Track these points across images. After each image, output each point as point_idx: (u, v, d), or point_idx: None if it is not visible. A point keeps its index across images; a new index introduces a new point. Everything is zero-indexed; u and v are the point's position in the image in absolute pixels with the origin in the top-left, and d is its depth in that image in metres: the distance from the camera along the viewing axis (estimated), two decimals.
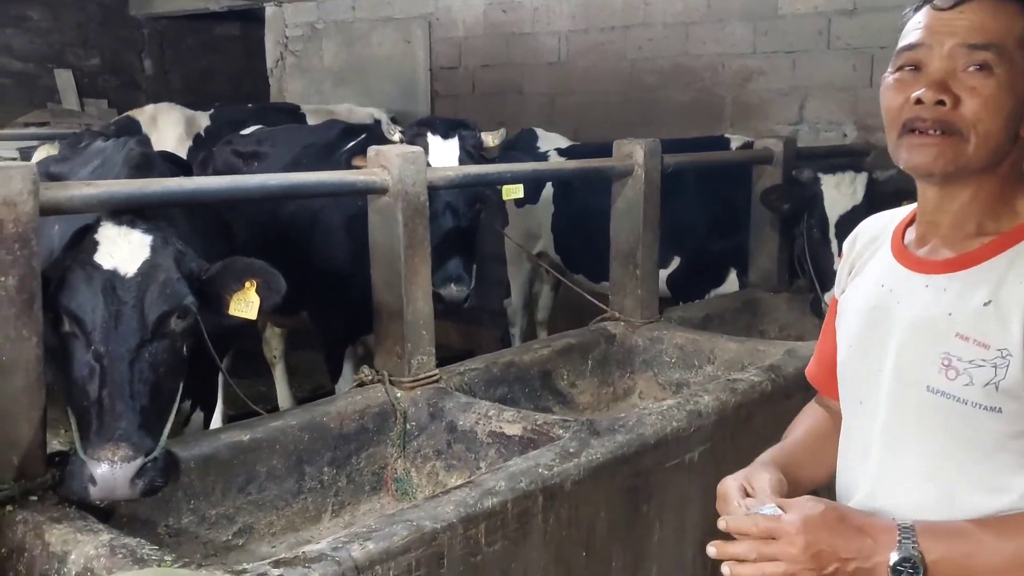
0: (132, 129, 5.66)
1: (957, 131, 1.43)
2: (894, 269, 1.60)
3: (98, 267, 2.18)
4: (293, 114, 6.27)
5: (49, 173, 3.07)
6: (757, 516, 1.47)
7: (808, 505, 1.45)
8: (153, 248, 2.25)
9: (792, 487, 1.64)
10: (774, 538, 1.42)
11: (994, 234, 1.48)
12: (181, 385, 2.34)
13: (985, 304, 1.43)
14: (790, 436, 1.85)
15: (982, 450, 1.45)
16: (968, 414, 1.43)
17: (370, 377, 2.89)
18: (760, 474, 1.62)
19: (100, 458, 2.03)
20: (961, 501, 1.47)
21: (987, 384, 1.41)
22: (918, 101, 1.45)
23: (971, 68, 1.43)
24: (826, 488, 1.75)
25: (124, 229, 2.26)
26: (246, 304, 2.38)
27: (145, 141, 2.93)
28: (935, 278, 1.52)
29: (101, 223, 2.27)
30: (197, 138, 5.91)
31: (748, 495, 1.58)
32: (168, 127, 6.00)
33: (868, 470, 1.59)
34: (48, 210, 2.15)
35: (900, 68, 1.51)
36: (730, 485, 1.61)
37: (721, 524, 1.53)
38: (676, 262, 4.81)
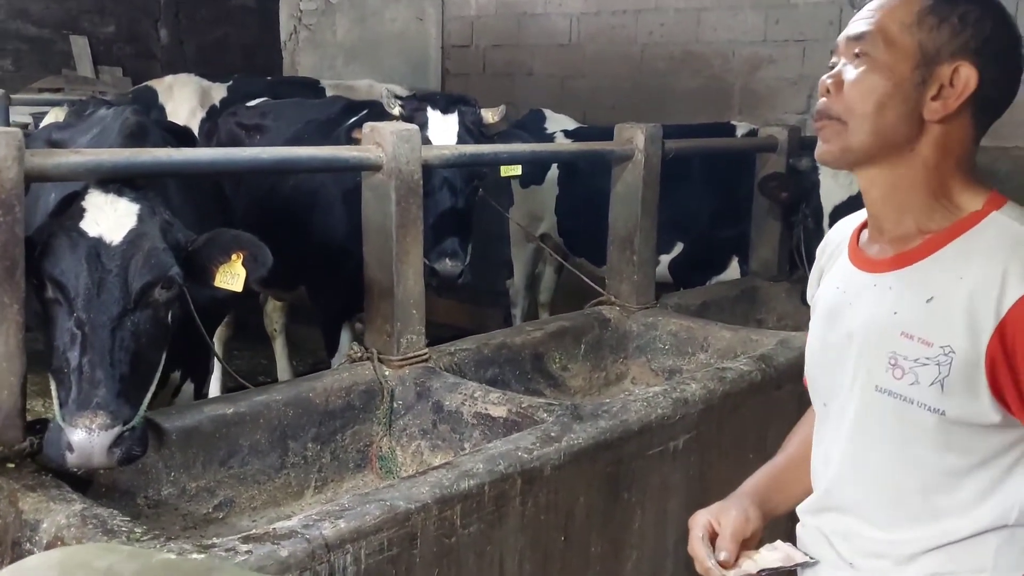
0: (150, 98, 5.68)
1: (838, 116, 1.48)
2: (848, 271, 1.60)
3: (83, 234, 2.17)
4: (312, 88, 6.23)
5: (50, 140, 3.07)
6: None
7: None
8: (140, 217, 2.24)
9: (777, 509, 1.70)
10: None
11: (935, 230, 1.47)
12: (164, 355, 2.34)
13: (927, 301, 1.43)
14: (786, 447, 1.85)
15: (928, 449, 1.44)
16: (914, 413, 1.43)
17: (359, 354, 2.89)
18: (728, 512, 1.63)
19: (78, 425, 2.03)
20: (910, 502, 1.48)
21: (932, 383, 1.40)
22: (825, 91, 1.51)
23: (851, 58, 1.48)
24: None
25: (111, 197, 2.25)
26: (232, 276, 2.37)
27: (141, 111, 2.91)
28: (881, 277, 1.52)
29: (89, 190, 2.26)
30: (212, 109, 5.90)
31: (714, 531, 1.62)
32: (183, 98, 6.00)
33: (828, 469, 1.60)
34: (33, 177, 2.15)
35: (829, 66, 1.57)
36: (699, 521, 1.64)
37: (699, 569, 1.59)
38: (679, 247, 4.79)
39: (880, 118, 1.45)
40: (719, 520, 1.62)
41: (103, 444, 2.03)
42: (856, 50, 1.47)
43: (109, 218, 2.22)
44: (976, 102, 1.44)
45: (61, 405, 2.11)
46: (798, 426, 1.86)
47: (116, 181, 2.29)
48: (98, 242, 2.18)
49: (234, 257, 2.36)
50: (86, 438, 2.02)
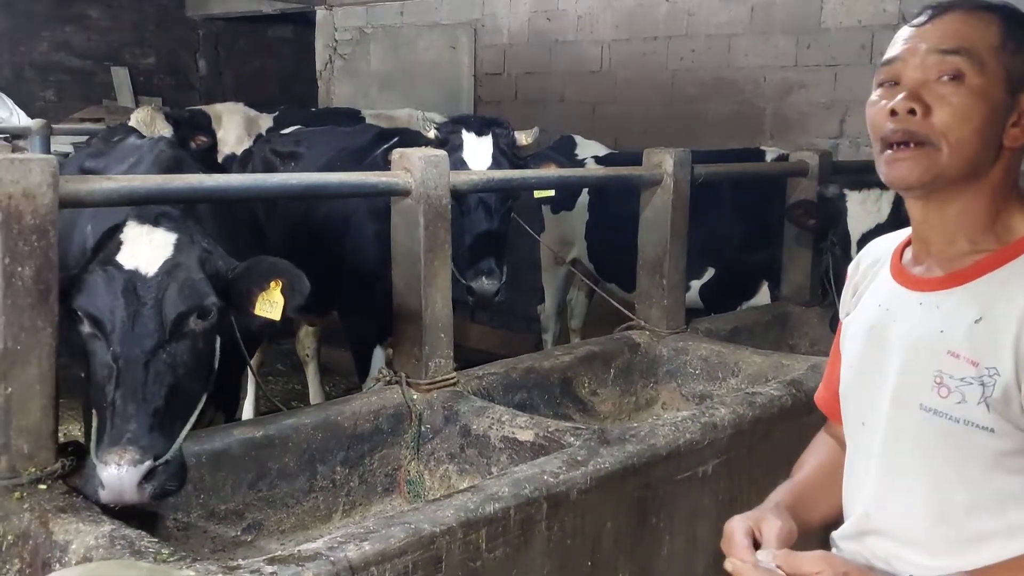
0: (202, 121, 5.85)
1: (929, 141, 1.42)
2: (892, 289, 1.58)
3: (120, 267, 2.19)
4: (354, 118, 6.32)
5: (84, 168, 3.13)
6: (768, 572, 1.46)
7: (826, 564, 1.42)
8: (177, 247, 2.25)
9: (802, 527, 1.62)
10: None
11: (987, 251, 1.45)
12: (207, 384, 2.32)
13: (976, 321, 1.41)
14: (800, 471, 1.82)
15: (976, 470, 1.42)
16: (961, 432, 1.41)
17: (388, 378, 2.90)
18: (772, 521, 1.57)
19: (108, 461, 2.01)
20: (956, 522, 1.44)
21: (979, 402, 1.38)
22: (892, 113, 1.44)
23: (943, 78, 1.42)
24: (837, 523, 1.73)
25: (147, 228, 2.26)
26: (271, 305, 2.35)
27: (175, 143, 2.96)
28: (928, 296, 1.50)
29: (127, 223, 2.27)
30: (258, 138, 6.01)
31: (755, 539, 1.55)
32: (231, 126, 6.14)
33: (866, 491, 1.57)
34: (68, 203, 2.18)
35: (881, 84, 1.51)
36: (737, 527, 1.57)
37: (728, 566, 1.52)
38: (710, 273, 4.77)
39: (976, 144, 1.42)
40: (760, 528, 1.56)
41: (132, 480, 2.01)
42: (946, 69, 1.42)
43: (145, 249, 2.22)
44: None
45: (96, 441, 2.11)
46: (808, 452, 1.84)
47: (153, 208, 2.31)
48: (134, 274, 2.18)
49: (272, 285, 2.34)
50: (115, 474, 2.00)
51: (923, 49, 1.45)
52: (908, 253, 1.60)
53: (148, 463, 2.03)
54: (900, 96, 1.44)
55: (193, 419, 2.24)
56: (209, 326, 2.27)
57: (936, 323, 1.46)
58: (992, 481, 1.41)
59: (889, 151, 1.46)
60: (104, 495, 2.02)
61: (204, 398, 2.31)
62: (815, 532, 1.71)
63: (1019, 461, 1.40)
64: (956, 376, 1.41)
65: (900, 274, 1.58)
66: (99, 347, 2.16)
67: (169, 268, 2.21)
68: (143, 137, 3.66)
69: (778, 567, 1.48)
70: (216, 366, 2.38)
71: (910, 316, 1.51)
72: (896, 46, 1.50)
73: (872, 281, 1.66)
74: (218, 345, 2.39)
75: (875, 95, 1.51)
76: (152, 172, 2.65)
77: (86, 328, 2.18)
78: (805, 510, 1.67)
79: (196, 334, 2.23)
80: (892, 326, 1.54)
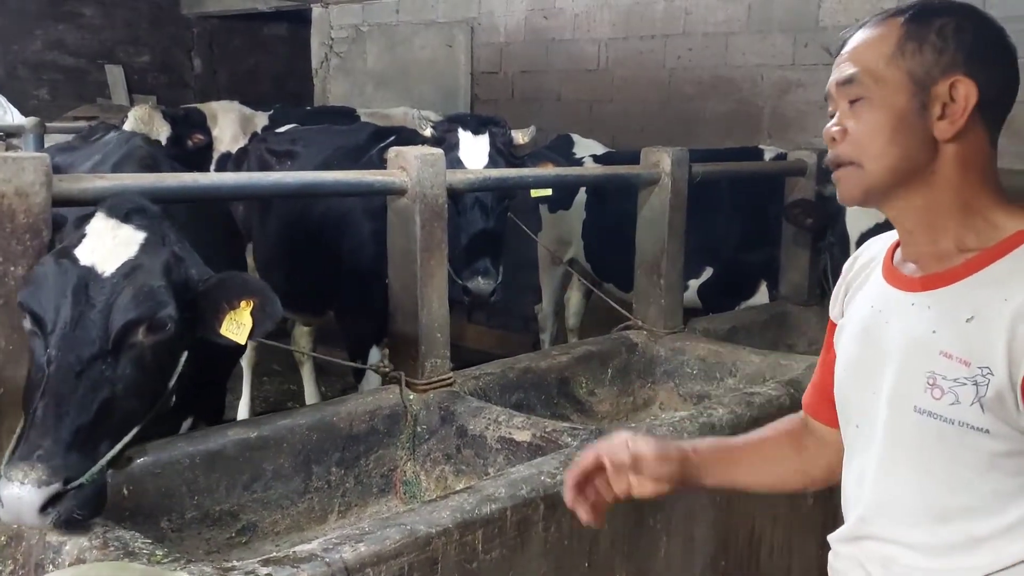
0: (197, 119, 5.84)
1: (852, 161, 1.48)
2: (883, 290, 1.57)
3: (75, 261, 1.99)
4: (349, 117, 6.31)
5: (52, 163, 3.04)
6: None
7: None
8: (143, 247, 2.05)
9: (692, 482, 1.68)
10: None
11: (976, 250, 1.44)
12: (154, 405, 2.07)
13: (968, 320, 1.40)
14: (751, 434, 1.83)
15: (973, 471, 1.40)
16: (956, 434, 1.40)
17: (388, 368, 2.88)
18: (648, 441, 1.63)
19: (12, 477, 1.79)
20: (953, 524, 1.43)
21: (973, 402, 1.37)
22: (832, 139, 1.51)
23: (847, 104, 1.49)
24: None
25: (114, 223, 2.06)
26: (238, 326, 2.12)
27: (149, 140, 2.88)
28: (920, 296, 1.49)
29: (96, 214, 2.09)
30: (253, 136, 6.00)
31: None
32: (226, 124, 6.12)
33: (863, 494, 1.56)
34: (60, 202, 2.17)
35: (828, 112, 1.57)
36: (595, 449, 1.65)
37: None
38: (708, 272, 4.76)
39: (892, 153, 1.45)
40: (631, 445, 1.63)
41: (34, 503, 1.78)
42: (849, 96, 1.48)
43: (106, 246, 2.02)
44: (981, 109, 1.43)
45: (11, 453, 1.87)
46: (774, 422, 1.85)
47: (129, 202, 2.13)
48: (88, 272, 1.98)
49: (243, 304, 2.12)
50: (15, 494, 1.77)
51: (834, 83, 1.51)
52: (899, 254, 1.59)
53: (55, 486, 1.80)
54: (829, 124, 1.52)
55: (127, 440, 1.99)
56: (163, 339, 2.03)
57: (928, 324, 1.45)
58: (989, 483, 1.40)
59: (834, 173, 1.53)
60: (3, 515, 1.82)
61: (148, 416, 2.06)
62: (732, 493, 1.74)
63: (1015, 462, 1.39)
64: (949, 377, 1.40)
65: (892, 275, 1.58)
66: (37, 347, 1.95)
67: (128, 270, 2.01)
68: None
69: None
70: (171, 384, 2.13)
71: (902, 317, 1.50)
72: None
73: (865, 282, 1.66)
74: (183, 359, 2.15)
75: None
76: (124, 168, 2.52)
77: (27, 325, 1.99)
78: (714, 469, 1.71)
79: (144, 347, 2.00)
80: (885, 328, 1.53)
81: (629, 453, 1.60)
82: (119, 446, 1.96)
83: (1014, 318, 1.35)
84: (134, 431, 2.00)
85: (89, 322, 1.93)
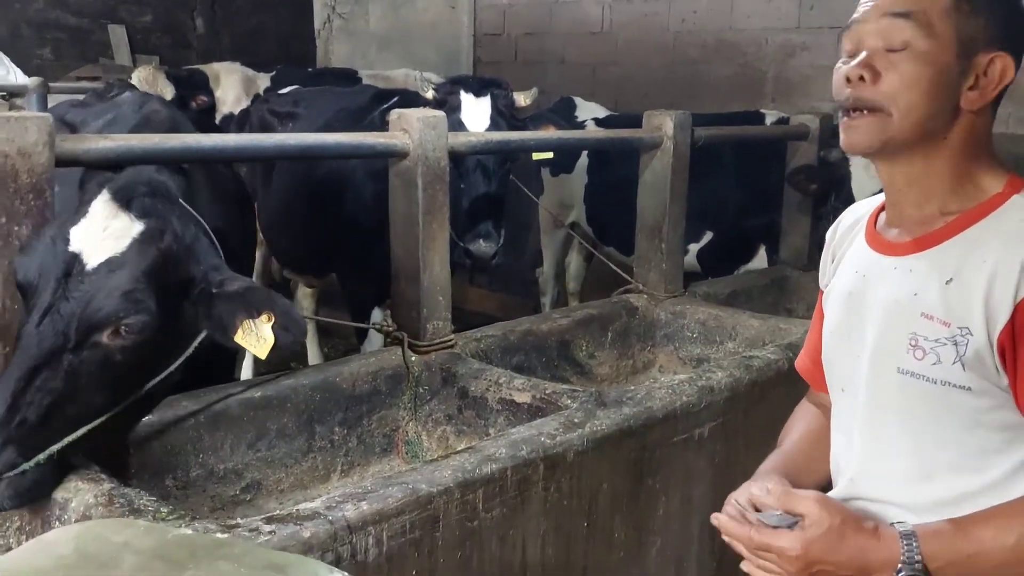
0: (200, 80, 5.85)
1: (879, 107, 1.44)
2: (867, 254, 1.59)
3: (66, 242, 1.92)
4: (351, 79, 6.29)
5: (63, 119, 3.02)
6: (758, 527, 1.47)
7: (812, 519, 1.43)
8: (137, 242, 1.93)
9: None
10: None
11: (957, 213, 1.46)
12: (112, 407, 1.96)
13: (947, 282, 1.42)
14: (785, 442, 1.84)
15: (958, 429, 1.44)
16: (939, 393, 1.43)
17: (390, 327, 2.89)
18: (762, 482, 1.59)
19: None
20: (940, 482, 1.47)
21: (954, 362, 1.40)
22: (847, 80, 1.46)
23: (883, 47, 1.43)
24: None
25: (114, 208, 1.96)
26: (258, 339, 1.99)
27: (165, 101, 2.87)
28: (902, 259, 1.51)
29: (102, 192, 1.99)
30: (256, 98, 5.99)
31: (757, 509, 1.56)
32: (229, 85, 6.11)
33: (852, 456, 1.59)
34: (64, 162, 2.17)
35: (846, 52, 1.51)
36: (737, 497, 1.59)
37: (714, 520, 1.54)
38: (708, 236, 4.77)
39: (923, 109, 1.43)
40: (752, 492, 1.57)
41: None
42: (893, 40, 1.43)
43: (96, 235, 1.93)
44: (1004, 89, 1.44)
45: None
46: (793, 421, 1.85)
47: (140, 185, 2.02)
48: (73, 259, 1.91)
49: (264, 317, 1.98)
50: None
51: (878, 12, 1.45)
52: (882, 218, 1.60)
53: None
54: (853, 63, 1.46)
55: (84, 431, 1.92)
56: (134, 343, 1.91)
57: (910, 286, 1.48)
58: (974, 439, 1.44)
59: (846, 117, 1.48)
60: None
61: (119, 408, 1.97)
62: None
63: (998, 416, 1.42)
64: (930, 338, 1.43)
65: (874, 239, 1.59)
66: (23, 315, 1.91)
67: (111, 267, 1.90)
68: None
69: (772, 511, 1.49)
70: (154, 379, 2.03)
71: (885, 281, 1.52)
72: (859, 8, 1.51)
73: (849, 247, 1.67)
74: (180, 354, 2.07)
75: (840, 61, 1.52)
76: (138, 131, 2.48)
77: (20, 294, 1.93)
78: (794, 478, 1.68)
79: (110, 349, 1.90)
80: (868, 292, 1.55)
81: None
82: (75, 435, 1.91)
83: (990, 279, 1.37)
84: (93, 424, 1.93)
85: (58, 316, 1.86)
